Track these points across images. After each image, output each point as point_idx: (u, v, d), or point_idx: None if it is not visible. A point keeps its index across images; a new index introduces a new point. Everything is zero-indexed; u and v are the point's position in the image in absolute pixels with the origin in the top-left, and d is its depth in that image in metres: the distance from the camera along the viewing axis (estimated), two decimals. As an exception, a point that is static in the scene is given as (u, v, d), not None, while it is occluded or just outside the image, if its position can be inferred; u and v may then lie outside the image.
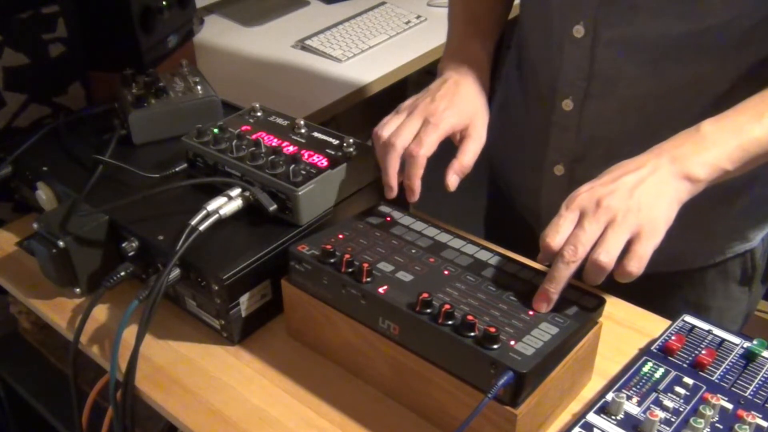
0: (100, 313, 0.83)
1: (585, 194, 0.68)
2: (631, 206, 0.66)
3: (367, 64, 1.61)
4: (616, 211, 0.66)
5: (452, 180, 0.79)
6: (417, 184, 0.77)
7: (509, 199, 1.06)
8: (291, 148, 0.85)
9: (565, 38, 0.84)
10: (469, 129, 0.81)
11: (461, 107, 0.82)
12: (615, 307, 0.81)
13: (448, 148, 0.82)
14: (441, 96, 0.82)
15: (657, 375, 0.68)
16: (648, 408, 0.64)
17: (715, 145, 0.70)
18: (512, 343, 0.61)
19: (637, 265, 0.65)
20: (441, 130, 0.79)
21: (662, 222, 0.67)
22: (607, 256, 0.64)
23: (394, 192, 0.78)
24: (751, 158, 0.71)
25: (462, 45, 0.93)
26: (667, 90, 0.81)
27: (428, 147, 0.77)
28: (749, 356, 0.70)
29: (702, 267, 0.94)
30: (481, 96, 0.85)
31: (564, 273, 0.66)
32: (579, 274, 0.67)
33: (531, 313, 0.66)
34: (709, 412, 0.62)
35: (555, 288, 0.66)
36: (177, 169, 0.89)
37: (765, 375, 0.68)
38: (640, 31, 0.79)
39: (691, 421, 0.62)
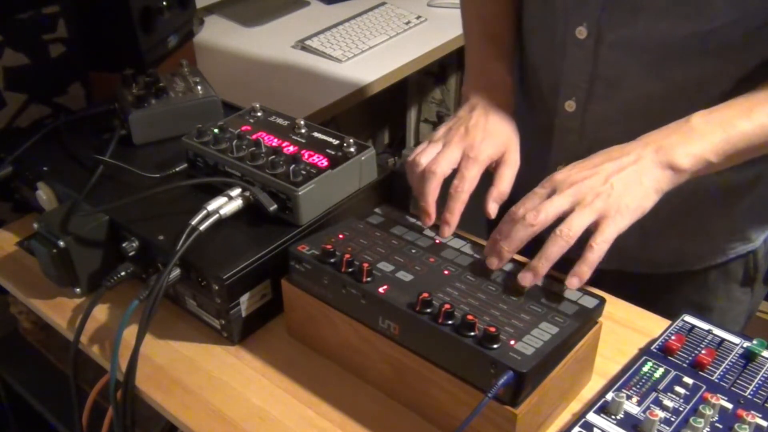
0: (101, 313, 0.83)
1: (561, 175, 0.72)
2: (601, 192, 0.69)
3: (367, 65, 1.61)
4: (586, 194, 0.69)
5: (492, 208, 0.80)
6: (456, 220, 0.78)
7: (511, 199, 1.06)
8: (291, 148, 0.85)
9: (568, 40, 0.84)
10: (504, 156, 0.83)
11: (495, 137, 0.83)
12: (615, 307, 0.81)
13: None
14: (474, 126, 0.83)
15: (657, 375, 0.68)
16: (648, 408, 0.64)
17: (702, 137, 0.72)
18: (512, 342, 0.61)
19: (599, 244, 0.68)
20: (481, 163, 0.80)
21: (631, 209, 0.69)
22: (570, 231, 0.68)
23: (431, 219, 0.78)
24: (736, 151, 0.73)
25: (485, 68, 0.93)
26: (670, 91, 0.81)
27: (471, 183, 0.79)
28: (749, 356, 0.70)
29: (704, 268, 0.94)
30: (511, 121, 0.86)
31: (521, 234, 0.69)
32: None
33: (530, 312, 0.66)
34: (708, 412, 0.62)
35: (509, 247, 0.70)
36: (177, 169, 0.89)
37: (765, 375, 0.68)
38: (644, 32, 0.79)
39: (691, 420, 0.62)
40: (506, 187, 0.81)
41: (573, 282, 0.67)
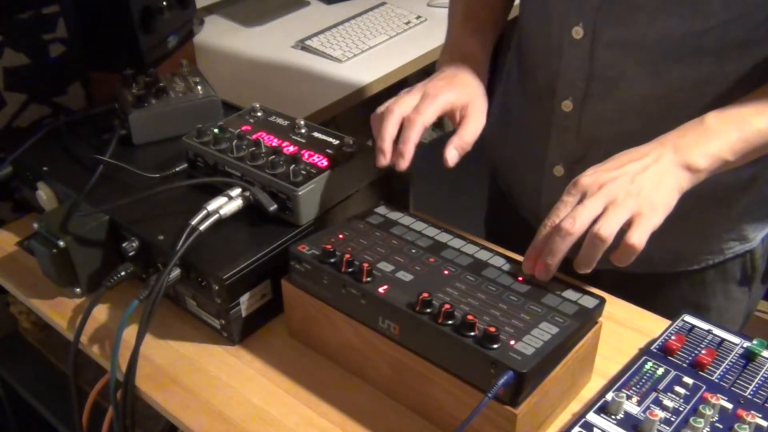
0: (101, 312, 0.83)
1: (587, 178, 0.70)
2: (631, 190, 0.68)
3: (367, 65, 1.61)
4: (617, 194, 0.68)
5: (452, 154, 0.78)
6: (409, 150, 0.75)
7: (510, 199, 1.06)
8: (291, 148, 0.85)
9: (565, 39, 0.84)
10: (468, 109, 0.81)
11: (460, 88, 0.82)
12: (615, 307, 0.81)
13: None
14: (439, 78, 0.83)
15: (657, 375, 0.68)
16: (648, 408, 0.64)
17: (718, 136, 0.72)
18: (512, 342, 0.61)
19: (638, 238, 0.66)
20: (439, 102, 0.78)
21: (661, 206, 0.69)
22: (607, 230, 0.66)
23: (387, 157, 0.76)
24: (752, 149, 0.73)
25: (460, 41, 0.93)
26: (667, 91, 0.81)
27: (426, 115, 0.77)
28: (749, 356, 0.70)
29: (701, 267, 0.94)
30: (479, 85, 0.85)
31: (561, 245, 0.67)
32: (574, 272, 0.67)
33: (530, 312, 0.66)
34: (708, 412, 0.63)
35: (553, 260, 0.68)
36: (177, 169, 0.89)
37: (765, 375, 0.68)
38: (640, 32, 0.79)
39: (691, 420, 0.62)
40: (469, 137, 0.79)
41: (633, 242, 0.66)
